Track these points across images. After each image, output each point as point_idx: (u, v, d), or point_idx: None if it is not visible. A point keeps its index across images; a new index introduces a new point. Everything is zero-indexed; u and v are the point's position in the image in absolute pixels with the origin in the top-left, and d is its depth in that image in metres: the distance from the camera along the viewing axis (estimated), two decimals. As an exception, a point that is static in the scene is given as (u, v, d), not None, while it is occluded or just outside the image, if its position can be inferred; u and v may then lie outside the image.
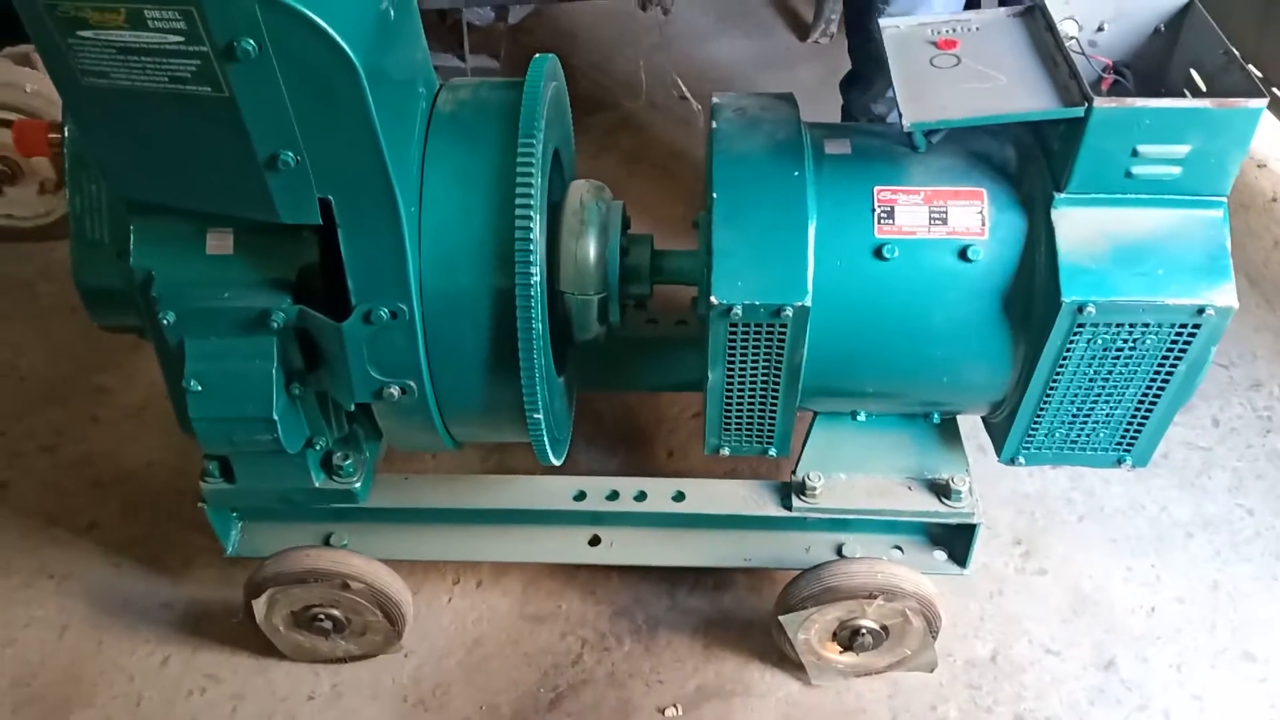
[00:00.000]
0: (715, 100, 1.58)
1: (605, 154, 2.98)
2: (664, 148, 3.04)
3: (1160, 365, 1.41)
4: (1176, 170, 1.32)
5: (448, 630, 1.86)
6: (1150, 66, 1.49)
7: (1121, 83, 1.47)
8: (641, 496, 1.73)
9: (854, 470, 1.69)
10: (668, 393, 2.23)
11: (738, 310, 1.37)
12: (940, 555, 1.74)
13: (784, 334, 1.40)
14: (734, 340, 1.42)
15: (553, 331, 1.49)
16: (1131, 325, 1.36)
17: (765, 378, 1.47)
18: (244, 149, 1.21)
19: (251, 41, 1.10)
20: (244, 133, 1.19)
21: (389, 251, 1.34)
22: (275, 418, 1.42)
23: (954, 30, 1.46)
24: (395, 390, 1.44)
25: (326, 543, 1.74)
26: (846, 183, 1.45)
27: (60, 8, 1.11)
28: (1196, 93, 1.41)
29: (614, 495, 1.73)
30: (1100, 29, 1.48)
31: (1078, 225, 1.36)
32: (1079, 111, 1.28)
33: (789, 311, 1.37)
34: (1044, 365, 1.42)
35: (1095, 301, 1.33)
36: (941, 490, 1.66)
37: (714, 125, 1.52)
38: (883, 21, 1.49)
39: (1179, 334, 1.37)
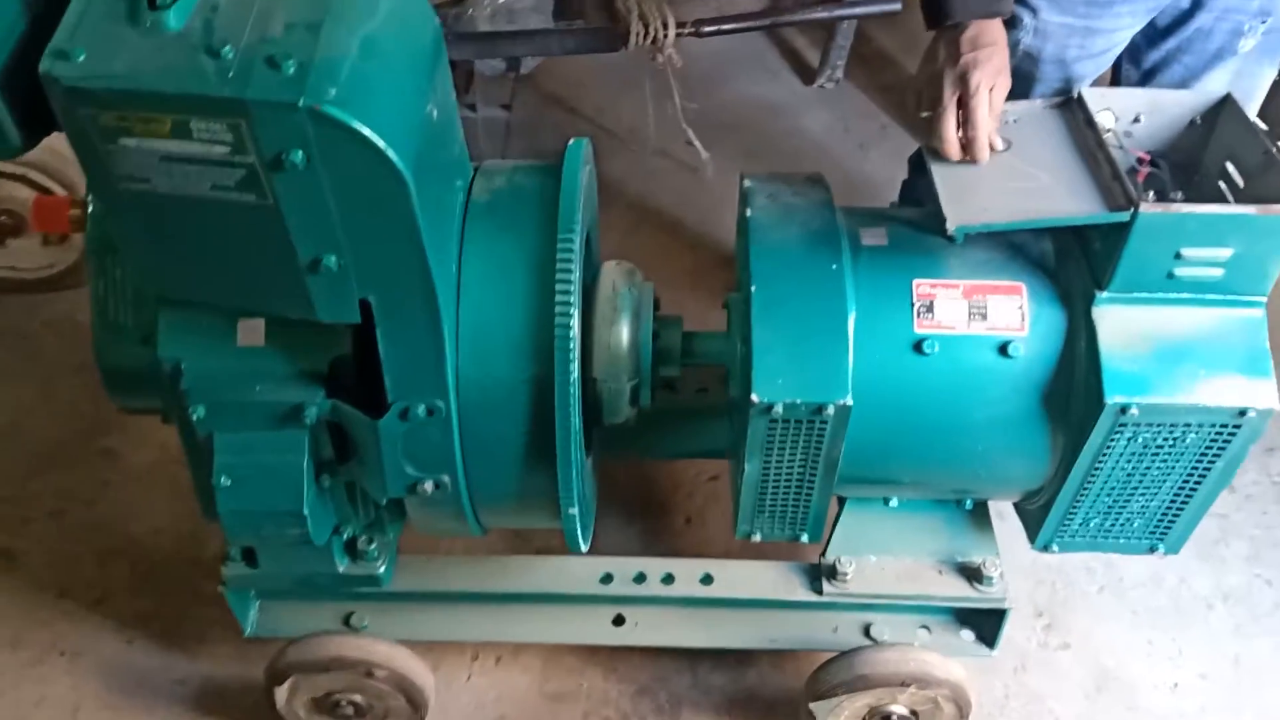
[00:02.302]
0: (746, 184, 1.57)
1: (613, 202, 2.96)
2: (672, 195, 3.03)
3: (1198, 461, 1.41)
4: (1219, 272, 1.32)
5: (467, 709, 1.84)
6: (1185, 157, 1.49)
7: (1157, 174, 1.47)
8: (669, 579, 1.71)
9: (884, 552, 1.68)
10: (685, 458, 2.21)
11: (778, 409, 1.36)
12: (968, 635, 1.74)
13: (824, 430, 1.39)
14: (772, 436, 1.41)
15: (584, 417, 1.47)
16: (1173, 425, 1.36)
17: (802, 470, 1.46)
18: (286, 253, 1.19)
19: (300, 153, 1.08)
20: (287, 238, 1.17)
21: (428, 350, 1.32)
22: (306, 513, 1.40)
23: (992, 122, 1.46)
24: (429, 485, 1.42)
25: (347, 623, 1.72)
26: (884, 275, 1.44)
27: (103, 117, 1.08)
28: (1232, 186, 1.42)
29: (641, 578, 1.71)
30: (1136, 120, 1.48)
31: (1119, 324, 1.36)
32: (1124, 216, 1.28)
33: (830, 410, 1.35)
34: (1083, 460, 1.41)
35: (1138, 403, 1.33)
36: (973, 574, 1.66)
37: (748, 213, 1.51)
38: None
39: (1219, 433, 1.37)
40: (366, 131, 1.08)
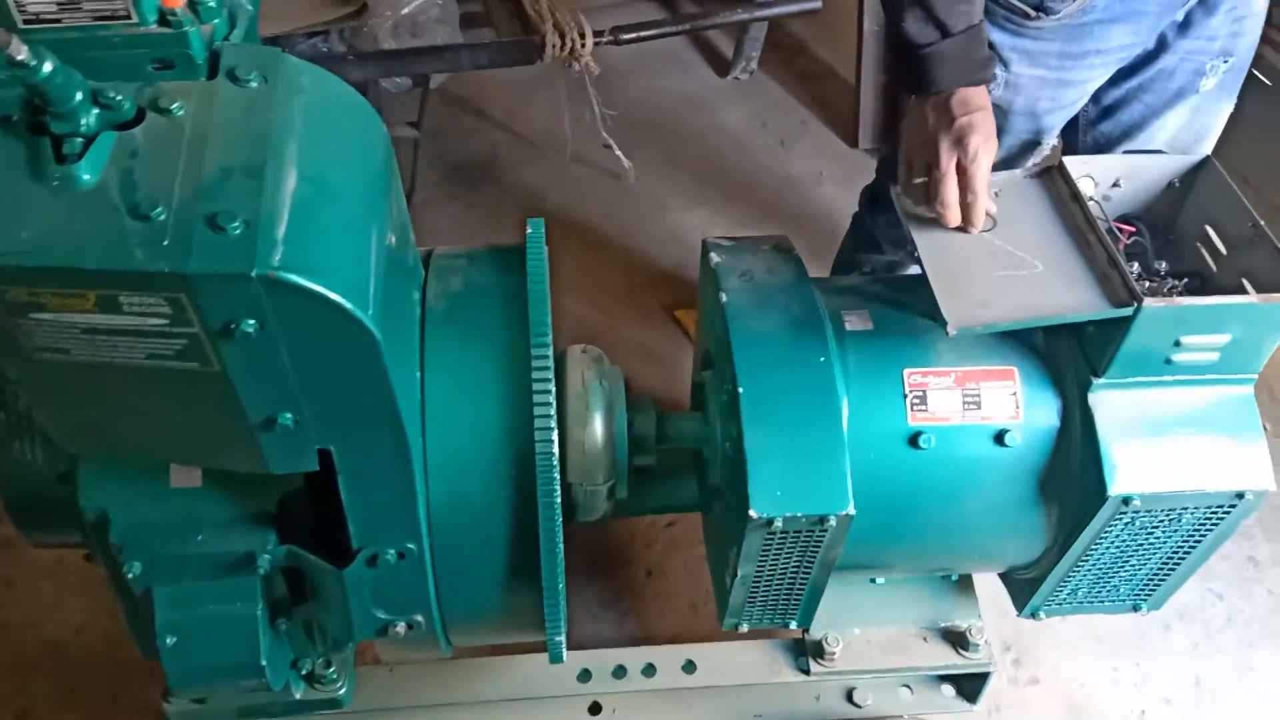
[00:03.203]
0: (714, 260, 1.47)
1: (534, 216, 2.82)
2: (595, 206, 2.91)
3: (1190, 536, 1.39)
4: (1215, 356, 1.29)
5: (439, 808, 1.74)
6: (1161, 218, 1.46)
7: (1138, 240, 1.43)
8: (650, 671, 1.64)
9: (868, 623, 1.64)
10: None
11: (778, 523, 1.27)
12: (949, 691, 1.73)
13: (823, 538, 1.32)
14: (769, 545, 1.33)
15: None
16: (1170, 509, 1.33)
17: (796, 572, 1.39)
18: (234, 414, 1.04)
19: (253, 322, 0.94)
20: (236, 402, 1.02)
21: (397, 493, 1.19)
22: (263, 664, 1.27)
23: (973, 195, 1.39)
24: (401, 627, 1.30)
25: (305, 738, 1.60)
26: (874, 365, 1.37)
27: (11, 293, 0.92)
28: (1212, 250, 1.39)
29: (620, 671, 1.64)
30: (1115, 185, 1.44)
31: (1116, 412, 1.31)
32: (1128, 312, 1.23)
33: (833, 521, 1.28)
34: (1079, 544, 1.38)
35: (1141, 495, 1.29)
36: (957, 640, 1.63)
37: (723, 298, 1.40)
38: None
39: (1214, 512, 1.35)
40: (329, 293, 0.94)
